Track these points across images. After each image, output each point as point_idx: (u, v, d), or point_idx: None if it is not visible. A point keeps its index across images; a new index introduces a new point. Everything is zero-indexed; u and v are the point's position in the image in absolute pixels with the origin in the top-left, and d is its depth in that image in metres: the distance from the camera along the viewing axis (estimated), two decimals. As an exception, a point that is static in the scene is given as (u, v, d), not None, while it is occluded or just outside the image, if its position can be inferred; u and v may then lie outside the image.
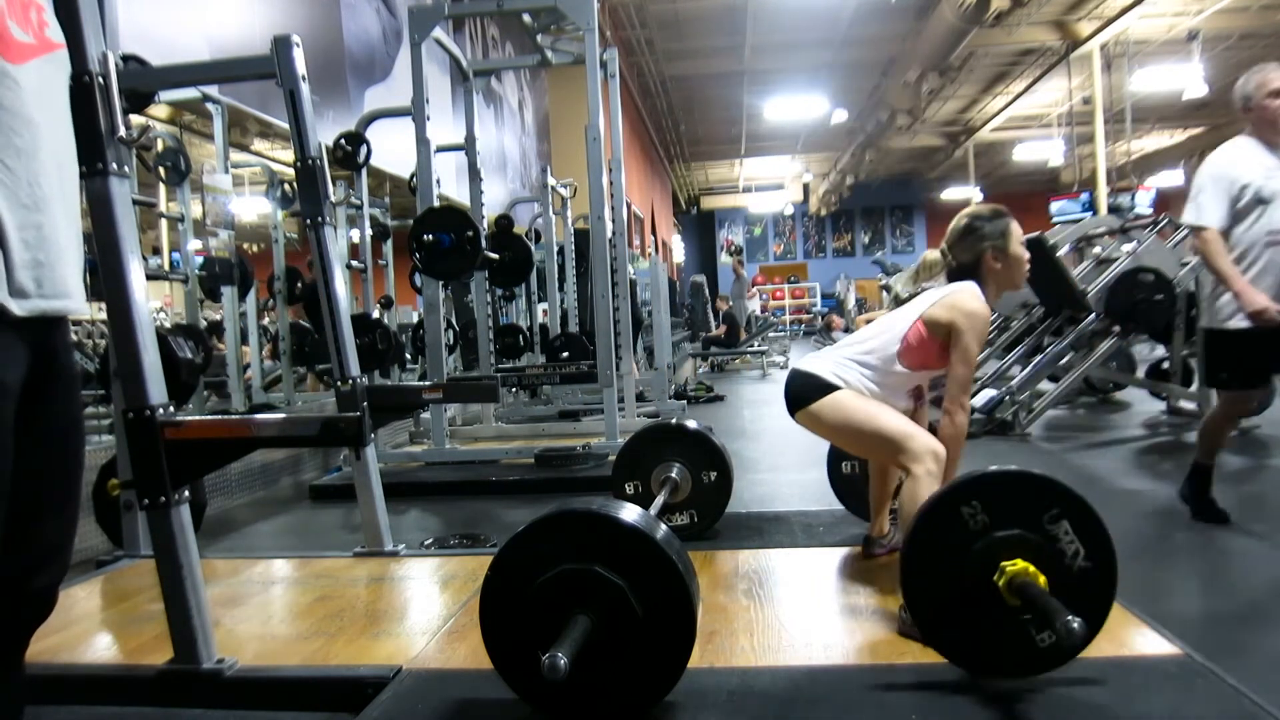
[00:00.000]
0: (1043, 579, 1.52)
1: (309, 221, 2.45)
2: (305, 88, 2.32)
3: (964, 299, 2.12)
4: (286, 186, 5.38)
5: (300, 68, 2.29)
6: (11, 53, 1.16)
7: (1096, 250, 6.75)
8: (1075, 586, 1.54)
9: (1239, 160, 2.91)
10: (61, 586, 1.29)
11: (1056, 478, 1.59)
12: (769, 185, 24.85)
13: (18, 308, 1.14)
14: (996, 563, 1.55)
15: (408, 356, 6.66)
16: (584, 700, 1.53)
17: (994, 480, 1.60)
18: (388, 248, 6.67)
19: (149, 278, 2.53)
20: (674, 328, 8.14)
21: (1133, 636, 1.80)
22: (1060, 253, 6.19)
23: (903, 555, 1.64)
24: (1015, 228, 2.19)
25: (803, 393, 2.17)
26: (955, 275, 2.22)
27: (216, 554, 3.07)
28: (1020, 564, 1.53)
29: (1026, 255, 2.21)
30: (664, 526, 1.62)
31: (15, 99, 1.14)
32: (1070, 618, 1.39)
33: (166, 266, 5.95)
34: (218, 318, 6.02)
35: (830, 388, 2.13)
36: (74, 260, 1.26)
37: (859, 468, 2.77)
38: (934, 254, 2.32)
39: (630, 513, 1.57)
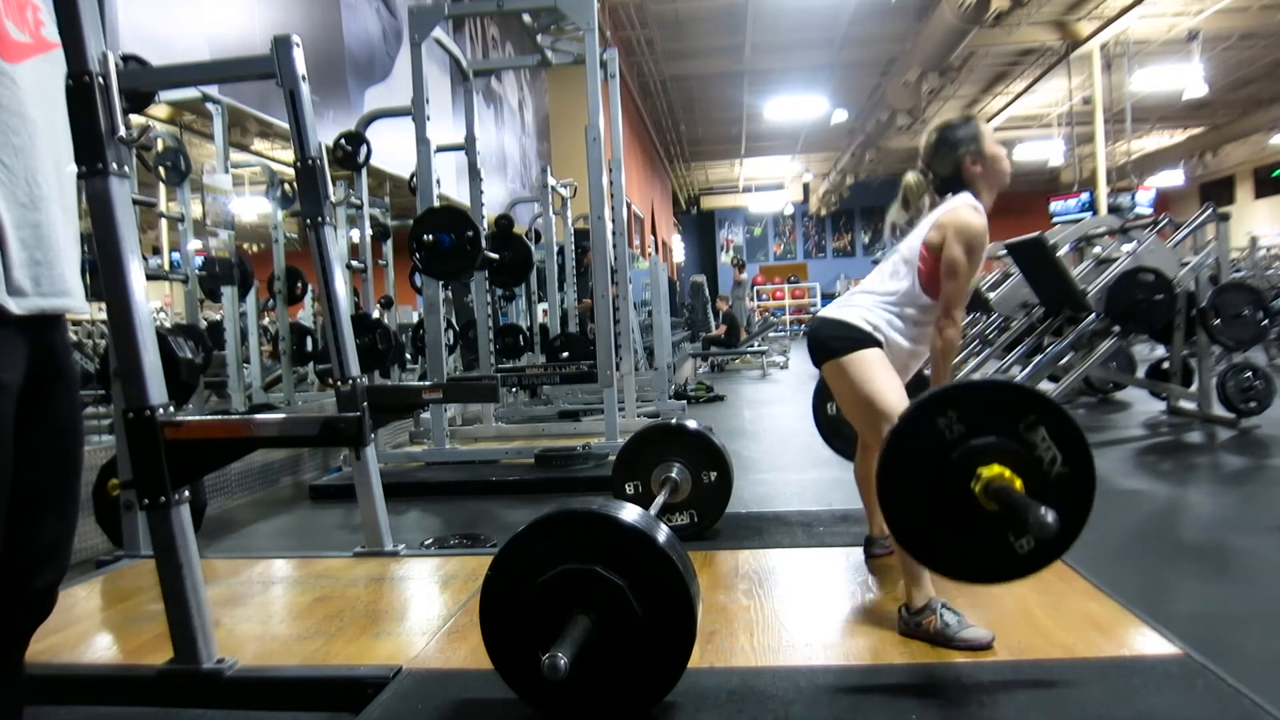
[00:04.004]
0: (1019, 483, 1.50)
1: (309, 221, 2.45)
2: (305, 88, 2.32)
3: (956, 212, 2.05)
4: (286, 186, 5.38)
5: (300, 68, 2.29)
6: (9, 52, 1.16)
7: (1096, 250, 6.75)
8: (1053, 492, 1.52)
9: None
10: (61, 586, 1.29)
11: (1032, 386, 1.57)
12: (769, 185, 24.86)
13: (16, 306, 1.14)
14: (973, 470, 1.52)
15: (407, 356, 6.66)
16: (584, 700, 1.53)
17: (970, 390, 1.59)
18: (388, 248, 6.67)
19: (149, 278, 2.54)
20: (674, 328, 8.13)
21: (1133, 636, 1.80)
22: (1060, 253, 6.18)
23: (880, 466, 1.61)
24: (986, 128, 2.14)
25: (836, 343, 2.05)
26: (942, 190, 2.16)
27: (216, 554, 3.08)
28: (996, 469, 1.51)
29: (1004, 151, 2.15)
30: (664, 526, 1.62)
31: (12, 98, 1.14)
32: (1044, 510, 1.37)
33: (166, 266, 5.96)
34: (218, 318, 6.02)
35: (868, 341, 2.01)
36: (73, 258, 1.26)
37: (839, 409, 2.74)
38: (913, 175, 2.23)
39: (630, 513, 1.57)
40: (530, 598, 1.50)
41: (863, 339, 2.03)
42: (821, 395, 2.79)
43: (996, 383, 1.59)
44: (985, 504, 1.52)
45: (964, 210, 2.06)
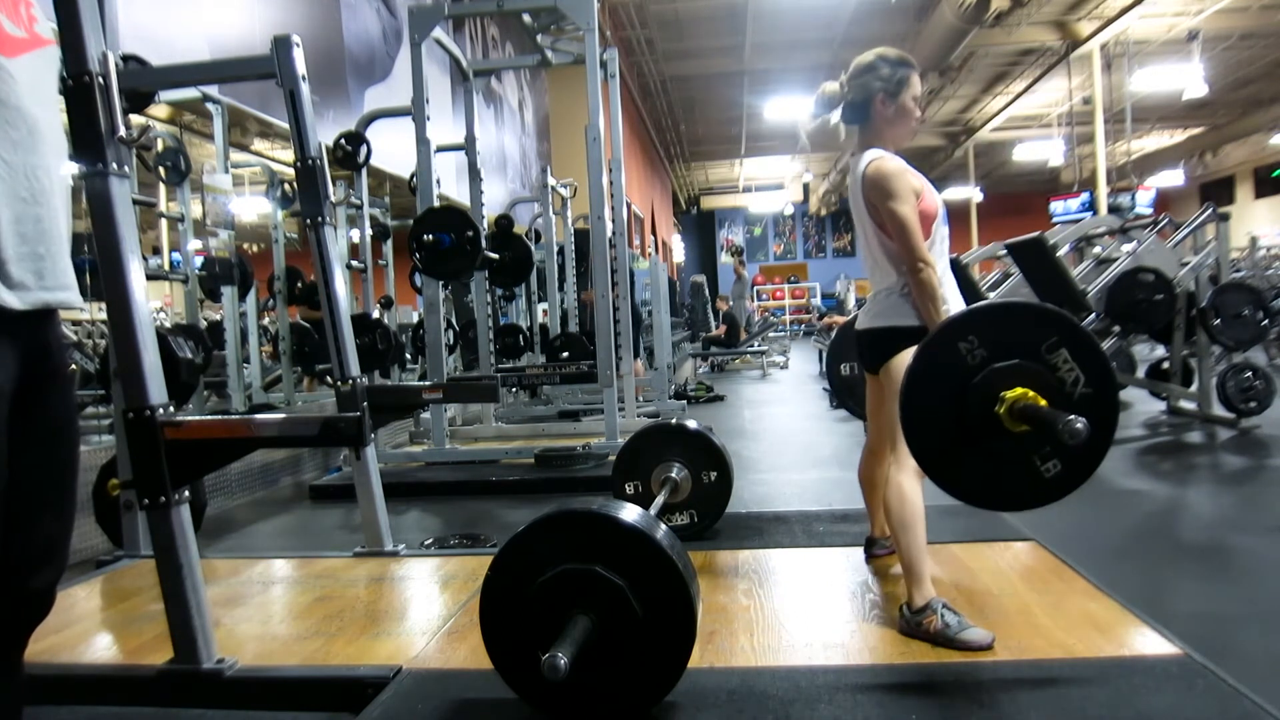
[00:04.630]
0: (1043, 402, 1.48)
1: (309, 221, 2.45)
2: (305, 88, 2.32)
3: (869, 174, 2.04)
4: (286, 186, 5.38)
5: (300, 68, 2.29)
6: (6, 47, 1.15)
7: (1096, 250, 6.75)
8: (1078, 412, 1.48)
9: None
10: (61, 586, 1.29)
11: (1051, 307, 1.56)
12: (769, 185, 24.86)
13: (18, 301, 1.13)
14: (996, 394, 1.51)
15: (407, 356, 6.66)
16: (584, 700, 1.53)
17: (990, 312, 1.57)
18: (388, 248, 6.67)
19: (149, 278, 2.53)
20: (674, 328, 8.12)
21: (1133, 636, 1.80)
22: (1060, 253, 6.18)
23: (903, 396, 1.59)
24: (915, 79, 2.14)
25: (890, 344, 2.02)
26: (847, 116, 2.17)
27: (216, 554, 3.08)
28: (1019, 390, 1.50)
29: (918, 113, 2.15)
30: (664, 527, 1.61)
31: (10, 92, 1.14)
32: (1072, 417, 1.35)
33: (166, 266, 5.96)
34: (217, 318, 6.01)
35: (919, 333, 1.89)
36: (69, 253, 1.25)
37: (855, 369, 2.72)
38: (833, 85, 2.22)
39: (630, 513, 1.57)
40: (530, 598, 1.50)
41: (915, 333, 1.94)
42: (835, 355, 2.79)
43: (1018, 304, 1.57)
44: (1011, 426, 1.49)
45: (873, 164, 2.05)
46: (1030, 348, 1.52)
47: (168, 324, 7.37)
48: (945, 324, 1.60)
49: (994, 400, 1.50)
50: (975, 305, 1.57)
